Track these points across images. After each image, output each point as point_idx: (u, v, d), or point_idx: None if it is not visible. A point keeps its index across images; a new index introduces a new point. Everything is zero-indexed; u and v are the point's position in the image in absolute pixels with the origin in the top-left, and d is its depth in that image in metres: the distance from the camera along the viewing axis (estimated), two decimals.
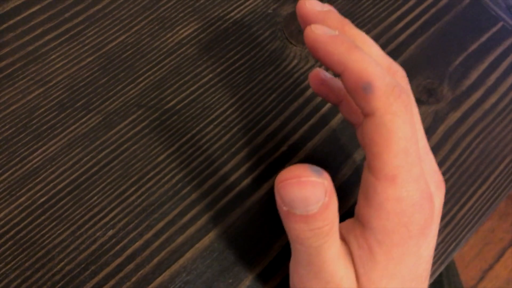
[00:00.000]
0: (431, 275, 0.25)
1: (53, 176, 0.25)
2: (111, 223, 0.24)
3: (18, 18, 0.29)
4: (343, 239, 0.19)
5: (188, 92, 0.28)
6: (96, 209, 0.24)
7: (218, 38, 0.30)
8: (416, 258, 0.18)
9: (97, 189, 0.25)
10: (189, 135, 0.26)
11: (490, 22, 0.33)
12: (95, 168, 0.25)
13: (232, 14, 0.31)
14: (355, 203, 0.26)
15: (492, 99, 0.30)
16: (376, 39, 0.31)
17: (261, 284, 0.24)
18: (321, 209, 0.16)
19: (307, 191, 0.15)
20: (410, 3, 0.33)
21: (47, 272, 0.22)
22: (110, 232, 0.24)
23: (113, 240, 0.24)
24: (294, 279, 0.20)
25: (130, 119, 0.27)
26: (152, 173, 0.25)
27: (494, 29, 0.33)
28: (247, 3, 0.31)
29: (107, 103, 0.27)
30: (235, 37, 0.30)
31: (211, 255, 0.24)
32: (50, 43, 0.28)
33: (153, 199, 0.25)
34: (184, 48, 0.29)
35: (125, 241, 0.24)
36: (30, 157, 0.25)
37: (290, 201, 0.16)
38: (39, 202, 0.24)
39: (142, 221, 0.24)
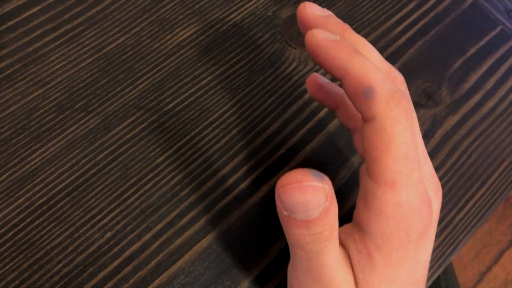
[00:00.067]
0: (429, 278, 0.25)
1: (51, 177, 0.25)
2: (110, 225, 0.24)
3: (18, 19, 0.29)
4: (342, 244, 0.19)
5: (187, 94, 0.28)
6: (94, 211, 0.24)
7: (218, 40, 0.30)
8: (415, 263, 0.18)
9: (96, 190, 0.25)
10: (187, 137, 0.27)
11: (489, 26, 0.33)
12: (94, 170, 0.25)
13: (231, 16, 0.31)
14: (352, 207, 0.26)
15: (491, 102, 0.30)
16: (375, 42, 0.31)
17: (259, 286, 0.24)
18: (322, 214, 0.16)
19: (308, 196, 0.15)
20: (410, 7, 0.33)
21: (45, 274, 0.23)
22: (108, 234, 0.24)
23: (111, 242, 0.24)
24: (292, 283, 0.20)
25: (129, 121, 0.27)
26: (150, 175, 0.25)
27: (493, 33, 0.33)
28: (247, 6, 0.31)
29: (106, 104, 0.27)
30: (234, 39, 0.30)
31: (209, 257, 0.24)
32: (50, 44, 0.28)
33: (151, 201, 0.25)
34: (183, 50, 0.29)
35: (123, 243, 0.24)
36: (29, 159, 0.25)
37: (291, 206, 0.16)
38: (38, 203, 0.24)
39: (140, 223, 0.24)
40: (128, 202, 0.25)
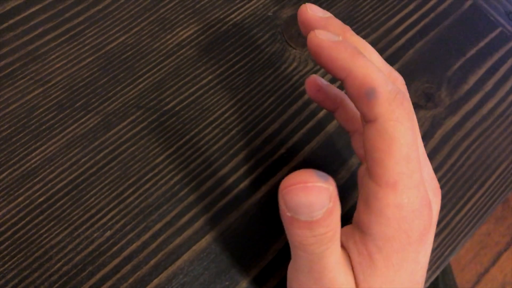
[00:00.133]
0: (427, 279, 0.25)
1: (51, 176, 0.25)
2: (109, 224, 0.24)
3: (19, 17, 0.29)
4: (342, 245, 0.19)
5: (187, 94, 0.28)
6: (94, 210, 0.24)
7: (218, 40, 0.30)
8: (415, 265, 0.18)
9: (95, 189, 0.25)
10: (187, 137, 0.27)
11: (489, 28, 0.33)
12: (94, 169, 0.25)
13: (232, 16, 0.31)
14: (351, 207, 0.26)
15: (490, 104, 0.30)
16: (375, 43, 0.31)
17: (257, 287, 0.24)
18: (325, 215, 0.15)
19: (313, 197, 0.15)
20: (410, 8, 0.33)
21: (45, 272, 0.23)
22: (108, 233, 0.24)
23: (111, 241, 0.24)
24: (292, 284, 0.20)
25: (129, 120, 0.27)
26: (150, 175, 0.25)
27: (493, 35, 0.33)
28: (247, 6, 0.31)
29: (106, 104, 0.27)
30: (234, 39, 0.30)
31: (208, 257, 0.24)
32: (50, 43, 0.28)
33: (151, 200, 0.25)
34: (183, 50, 0.29)
35: (123, 242, 0.24)
36: (29, 157, 0.25)
37: (294, 206, 0.15)
38: (37, 202, 0.24)
39: (139, 223, 0.24)
40: (128, 201, 0.25)
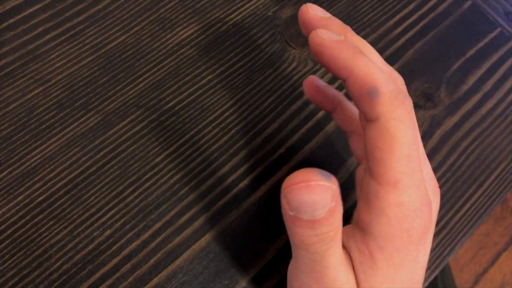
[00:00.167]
0: (426, 279, 0.25)
1: (51, 175, 0.25)
2: (109, 223, 0.24)
3: (19, 16, 0.29)
4: (343, 244, 0.19)
5: (187, 93, 0.28)
6: (93, 209, 0.24)
7: (218, 40, 0.30)
8: (415, 264, 0.18)
9: (95, 188, 0.25)
10: (187, 136, 0.27)
11: (488, 28, 0.33)
12: (93, 168, 0.25)
13: (232, 16, 0.31)
14: (351, 206, 0.26)
15: (489, 104, 0.30)
16: (375, 43, 0.31)
17: (257, 286, 0.24)
18: (328, 214, 0.15)
19: (316, 195, 0.15)
20: (409, 8, 0.33)
21: (44, 271, 0.23)
22: (107, 232, 0.24)
23: (110, 240, 0.24)
24: (293, 284, 0.20)
25: (129, 119, 0.27)
26: (150, 174, 0.25)
27: (492, 35, 0.33)
28: (247, 6, 0.31)
29: (106, 103, 0.27)
30: (234, 39, 0.30)
31: (208, 256, 0.24)
32: (50, 42, 0.28)
33: (150, 199, 0.25)
34: (184, 49, 0.29)
35: (122, 241, 0.24)
36: (29, 156, 0.25)
37: (297, 205, 0.15)
38: (37, 201, 0.24)
39: (139, 222, 0.24)
40: (127, 200, 0.25)
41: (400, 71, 0.30)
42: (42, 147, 0.25)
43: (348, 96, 0.28)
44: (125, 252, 0.24)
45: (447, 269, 0.50)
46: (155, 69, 0.28)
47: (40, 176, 0.25)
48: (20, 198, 0.24)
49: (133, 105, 0.27)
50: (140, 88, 0.28)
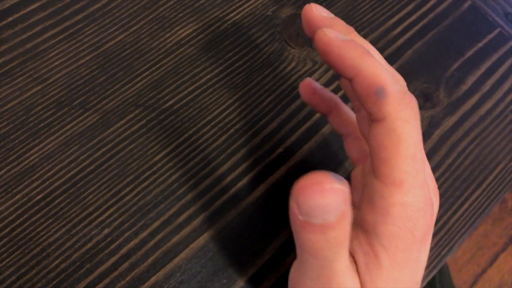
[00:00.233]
0: (424, 278, 0.25)
1: (49, 173, 0.25)
2: (107, 221, 0.24)
3: (17, 15, 0.29)
4: None
5: (186, 92, 0.28)
6: (92, 208, 0.24)
7: (217, 39, 0.30)
8: (417, 264, 0.18)
9: (93, 187, 0.25)
10: (186, 135, 0.27)
11: (487, 28, 0.33)
12: (92, 167, 0.25)
13: (231, 15, 0.31)
14: None
15: (488, 104, 0.30)
16: (374, 43, 0.31)
17: (255, 285, 0.24)
18: (340, 218, 0.15)
19: (329, 199, 0.14)
20: (409, 8, 0.33)
21: (42, 270, 0.23)
22: (106, 231, 0.24)
23: (109, 239, 0.24)
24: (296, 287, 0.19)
25: (127, 118, 0.27)
26: (148, 173, 0.25)
27: (491, 35, 0.33)
28: (246, 5, 0.31)
29: (104, 102, 0.27)
30: (233, 38, 0.30)
31: (206, 255, 0.24)
32: (49, 41, 0.28)
33: (149, 198, 0.25)
34: (182, 49, 0.29)
35: (121, 240, 0.24)
36: (27, 154, 0.25)
37: (308, 209, 0.15)
38: (35, 199, 0.24)
39: (137, 220, 0.24)
40: (126, 199, 0.25)
41: (399, 71, 0.30)
42: (41, 145, 0.25)
43: (344, 99, 0.29)
44: (123, 250, 0.23)
45: (445, 269, 0.51)
46: (153, 68, 0.28)
47: (38, 174, 0.25)
48: (18, 196, 0.24)
49: (132, 104, 0.27)
50: (138, 87, 0.28)
